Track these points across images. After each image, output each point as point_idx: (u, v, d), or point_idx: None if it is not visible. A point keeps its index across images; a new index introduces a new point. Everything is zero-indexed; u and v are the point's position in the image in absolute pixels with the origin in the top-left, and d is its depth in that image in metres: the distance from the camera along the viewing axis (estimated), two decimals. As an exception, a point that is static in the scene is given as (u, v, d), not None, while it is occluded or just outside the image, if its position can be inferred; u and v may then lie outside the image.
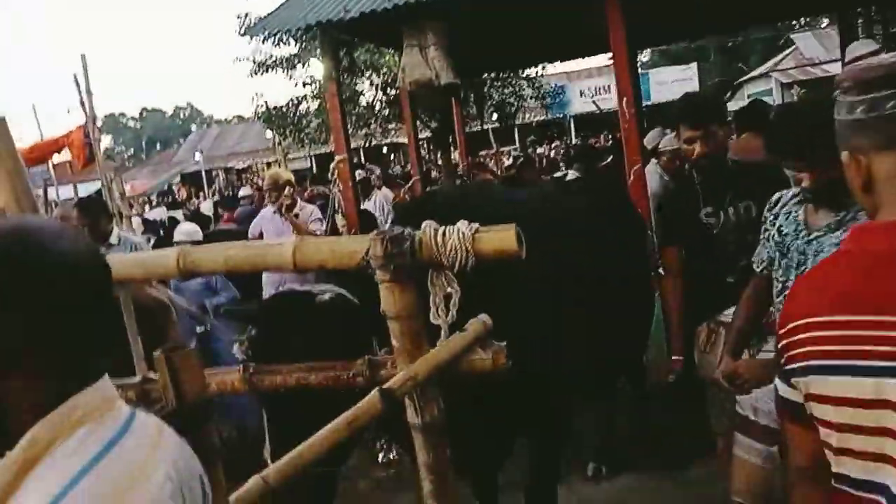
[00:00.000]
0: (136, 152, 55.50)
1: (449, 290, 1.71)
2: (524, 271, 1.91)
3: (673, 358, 2.85)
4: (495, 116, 16.28)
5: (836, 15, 8.31)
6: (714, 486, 2.92)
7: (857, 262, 1.05)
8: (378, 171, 10.17)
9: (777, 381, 1.16)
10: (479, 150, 13.89)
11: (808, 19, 19.24)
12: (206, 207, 13.20)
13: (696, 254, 2.73)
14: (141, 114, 65.15)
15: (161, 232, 8.54)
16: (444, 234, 1.66)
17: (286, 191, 4.77)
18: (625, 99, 4.54)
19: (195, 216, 10.24)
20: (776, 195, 2.22)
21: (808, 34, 21.24)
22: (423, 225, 1.70)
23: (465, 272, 1.66)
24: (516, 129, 21.44)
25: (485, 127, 15.20)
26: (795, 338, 1.07)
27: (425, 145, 17.14)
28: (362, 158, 20.24)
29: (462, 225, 1.66)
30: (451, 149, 11.47)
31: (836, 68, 8.99)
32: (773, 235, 2.15)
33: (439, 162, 12.85)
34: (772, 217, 2.19)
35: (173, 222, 9.35)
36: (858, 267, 1.04)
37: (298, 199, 5.04)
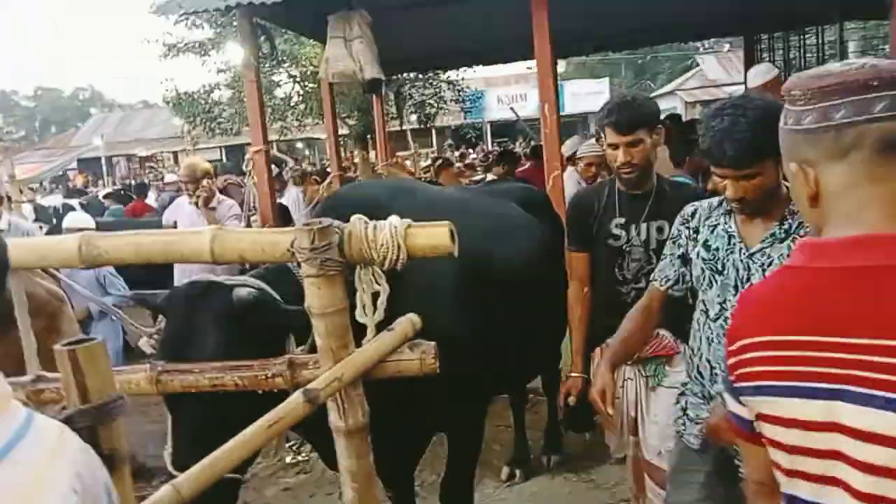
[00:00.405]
0: (29, 134, 51.74)
1: (377, 287, 1.65)
2: (451, 269, 1.87)
3: (572, 374, 2.53)
4: (414, 117, 16.24)
5: (742, 40, 8.81)
6: (626, 488, 2.99)
7: (807, 279, 1.00)
8: (292, 164, 9.89)
9: (726, 395, 1.13)
10: (397, 151, 13.81)
11: (712, 43, 20.36)
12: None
13: (601, 265, 2.54)
14: (36, 93, 60.74)
15: (55, 220, 7.97)
16: (375, 228, 1.60)
17: (204, 182, 4.52)
18: (546, 105, 4.59)
19: (90, 205, 9.62)
20: (690, 208, 2.04)
21: (712, 57, 22.49)
22: (353, 218, 1.63)
23: (393, 269, 1.61)
24: (434, 132, 21.50)
25: (404, 127, 15.14)
26: (745, 356, 1.03)
27: (342, 142, 16.92)
28: (276, 152, 19.68)
29: (394, 219, 1.60)
30: (369, 147, 11.34)
31: (737, 90, 9.51)
32: (700, 252, 1.96)
33: (355, 160, 12.71)
34: (689, 231, 2.01)
35: (68, 210, 8.74)
36: (807, 285, 0.99)
37: (217, 192, 4.79)
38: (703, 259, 1.95)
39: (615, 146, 2.38)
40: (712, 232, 1.95)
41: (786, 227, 1.81)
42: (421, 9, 6.15)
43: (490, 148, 19.85)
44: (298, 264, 1.60)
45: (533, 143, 10.63)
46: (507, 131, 23.38)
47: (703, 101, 19.61)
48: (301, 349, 1.88)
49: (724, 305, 1.89)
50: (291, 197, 6.90)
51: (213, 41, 13.71)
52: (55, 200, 11.97)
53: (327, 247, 1.54)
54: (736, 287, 1.86)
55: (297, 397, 1.57)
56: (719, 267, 1.90)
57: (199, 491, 1.30)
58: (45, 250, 1.75)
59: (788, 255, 1.18)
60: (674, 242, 2.08)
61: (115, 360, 2.12)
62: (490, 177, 6.77)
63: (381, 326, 1.68)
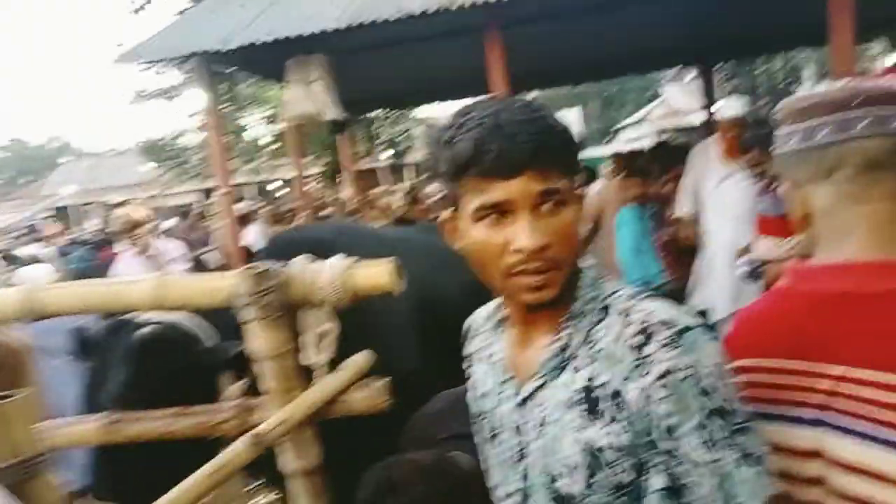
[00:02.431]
0: (1, 185, 51.07)
1: (325, 326, 1.66)
2: (395, 306, 1.88)
3: None
4: (386, 155, 16.39)
5: (698, 69, 9.08)
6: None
7: (794, 302, 0.98)
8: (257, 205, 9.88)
9: None
10: (370, 188, 13.89)
11: (675, 73, 20.87)
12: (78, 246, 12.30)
13: None
14: (4, 145, 60.20)
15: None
16: (317, 269, 1.61)
17: (139, 231, 4.48)
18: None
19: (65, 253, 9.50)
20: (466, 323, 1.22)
21: (675, 86, 23.06)
22: (295, 260, 1.64)
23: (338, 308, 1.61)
24: (405, 169, 21.67)
25: (375, 164, 15.26)
26: (736, 379, 0.98)
27: (316, 181, 16.95)
28: (251, 193, 19.67)
29: (336, 260, 1.62)
30: (340, 186, 11.39)
31: (699, 117, 9.74)
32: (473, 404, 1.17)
33: (330, 198, 12.74)
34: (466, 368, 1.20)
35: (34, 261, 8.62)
36: (793, 309, 0.97)
37: (152, 240, 4.72)
38: (477, 416, 1.14)
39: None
40: (480, 363, 1.14)
41: (561, 343, 0.97)
42: (383, 50, 6.26)
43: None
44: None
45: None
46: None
47: (670, 129, 20.06)
48: (241, 384, 1.83)
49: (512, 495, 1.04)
50: (252, 236, 6.84)
51: (179, 87, 13.79)
52: (28, 250, 11.79)
53: (268, 291, 1.55)
54: (515, 467, 1.02)
55: (243, 441, 1.56)
56: (489, 431, 1.09)
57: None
58: (-14, 305, 1.74)
59: (593, 386, 0.90)
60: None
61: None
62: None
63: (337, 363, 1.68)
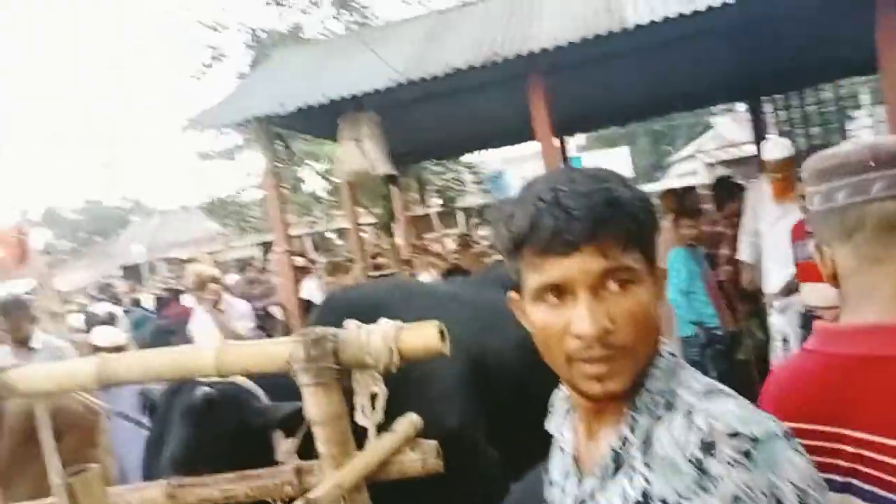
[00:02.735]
0: (77, 246, 53.84)
1: (374, 389, 1.70)
2: (448, 366, 1.91)
3: None
4: (438, 201, 16.63)
5: (748, 103, 8.97)
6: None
7: (821, 365, 0.97)
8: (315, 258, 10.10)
9: None
10: (423, 233, 14.10)
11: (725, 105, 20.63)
12: (147, 301, 12.84)
13: None
14: (81, 207, 63.70)
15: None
16: (367, 333, 1.66)
17: (210, 286, 4.68)
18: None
19: (131, 312, 9.93)
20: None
21: (727, 117, 22.70)
22: (346, 324, 1.70)
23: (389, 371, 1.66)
24: (458, 213, 21.90)
25: (427, 211, 15.48)
26: None
27: (370, 230, 17.30)
28: (309, 245, 20.14)
29: (385, 323, 1.67)
30: (394, 234, 11.60)
31: (752, 149, 9.55)
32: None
33: (385, 246, 12.98)
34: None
35: (112, 317, 9.03)
36: (819, 372, 0.96)
37: (224, 296, 4.93)
38: None
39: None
40: (554, 448, 1.07)
41: (619, 442, 0.88)
42: (431, 103, 6.45)
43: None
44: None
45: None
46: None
47: (723, 161, 19.67)
48: (292, 441, 1.86)
49: None
50: (310, 290, 7.02)
51: (239, 147, 14.43)
52: (103, 307, 12.36)
53: (321, 356, 1.61)
54: None
55: (299, 505, 1.60)
56: None
57: None
58: (63, 377, 1.86)
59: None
60: None
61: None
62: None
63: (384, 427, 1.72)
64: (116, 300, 14.66)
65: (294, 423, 1.79)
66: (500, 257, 1.00)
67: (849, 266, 0.97)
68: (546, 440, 1.09)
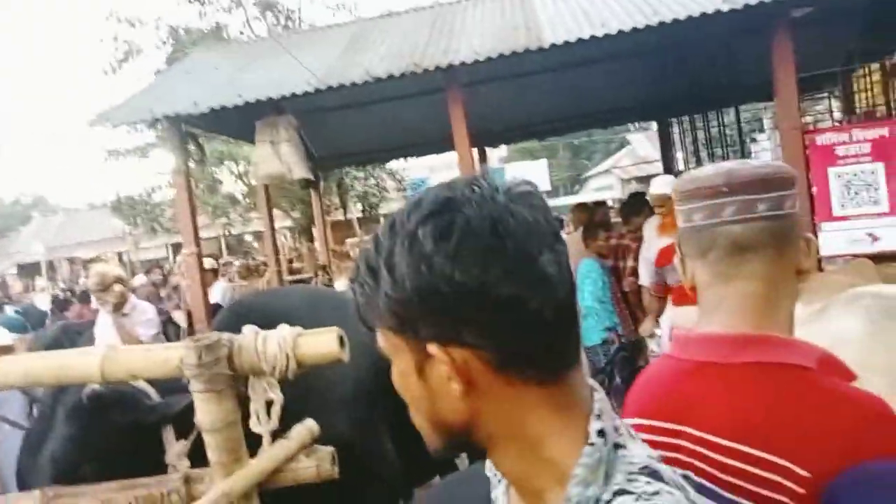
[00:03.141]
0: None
1: (270, 396, 1.68)
2: (346, 372, 1.91)
3: None
4: (360, 206, 16.51)
5: (658, 123, 9.42)
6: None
7: (671, 369, 1.05)
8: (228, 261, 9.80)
9: None
10: (344, 239, 13.98)
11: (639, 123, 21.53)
12: (42, 301, 12.11)
13: None
14: (-23, 201, 59.31)
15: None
16: (264, 339, 1.64)
17: (115, 288, 4.44)
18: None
19: (26, 312, 9.34)
20: None
21: (641, 134, 23.71)
22: (244, 329, 1.68)
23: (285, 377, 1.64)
24: (380, 219, 21.82)
25: (348, 217, 15.35)
26: None
27: (288, 234, 16.97)
28: (223, 247, 19.58)
29: (282, 329, 1.66)
30: (314, 238, 11.44)
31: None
32: None
33: (303, 250, 12.76)
34: None
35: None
36: (668, 374, 1.05)
37: (130, 297, 4.69)
38: None
39: None
40: None
41: None
42: (351, 109, 6.42)
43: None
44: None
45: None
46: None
47: (637, 178, 20.52)
48: (183, 443, 1.82)
49: None
50: (218, 292, 6.77)
51: (152, 145, 13.87)
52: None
53: (215, 362, 1.58)
54: None
55: (185, 516, 1.56)
56: None
57: None
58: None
59: None
60: None
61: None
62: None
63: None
64: (9, 299, 13.78)
65: (189, 419, 1.74)
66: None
67: (704, 280, 1.04)
68: None
